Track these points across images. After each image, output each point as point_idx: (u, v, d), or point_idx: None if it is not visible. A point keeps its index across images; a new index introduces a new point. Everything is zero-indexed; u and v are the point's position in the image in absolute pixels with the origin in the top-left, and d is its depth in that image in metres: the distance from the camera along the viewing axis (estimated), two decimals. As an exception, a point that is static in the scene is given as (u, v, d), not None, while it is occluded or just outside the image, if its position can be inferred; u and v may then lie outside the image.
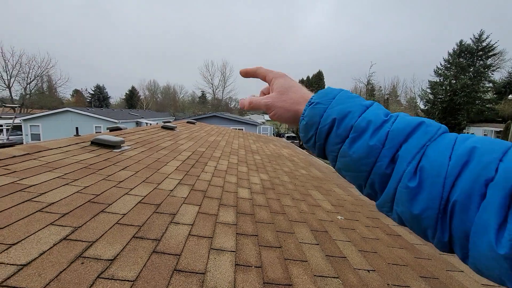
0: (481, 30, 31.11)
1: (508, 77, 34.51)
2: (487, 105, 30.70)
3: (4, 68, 32.64)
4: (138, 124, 24.03)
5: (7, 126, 17.64)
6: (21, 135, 19.24)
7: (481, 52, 31.38)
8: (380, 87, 49.91)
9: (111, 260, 1.05)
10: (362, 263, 1.49)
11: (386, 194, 0.37)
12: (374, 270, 1.44)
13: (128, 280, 0.96)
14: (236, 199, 2.13)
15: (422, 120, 0.37)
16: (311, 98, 0.45)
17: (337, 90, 0.46)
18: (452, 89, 30.08)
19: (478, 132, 30.53)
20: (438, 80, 32.74)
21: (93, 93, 55.89)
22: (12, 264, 0.91)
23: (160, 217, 1.52)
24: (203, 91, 63.86)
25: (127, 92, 59.84)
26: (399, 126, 0.37)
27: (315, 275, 1.27)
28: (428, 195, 0.32)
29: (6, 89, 33.47)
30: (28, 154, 2.12)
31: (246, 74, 0.57)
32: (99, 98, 55.32)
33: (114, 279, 0.95)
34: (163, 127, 5.44)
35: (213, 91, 60.91)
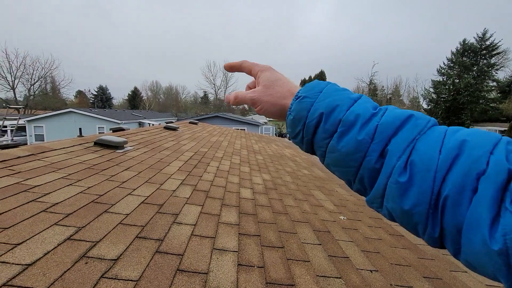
0: (485, 28, 30.87)
1: (512, 76, 34.23)
2: (491, 104, 30.45)
3: (9, 70, 32.99)
4: (140, 124, 24.14)
5: (11, 127, 17.81)
6: (25, 136, 19.42)
7: (484, 51, 31.13)
8: (383, 86, 49.78)
9: (114, 260, 1.06)
10: (365, 263, 1.49)
11: (376, 190, 0.36)
12: (377, 270, 1.43)
13: (131, 280, 0.97)
14: (238, 199, 2.14)
15: (411, 113, 0.37)
16: (298, 92, 0.44)
17: (325, 83, 0.45)
18: (455, 89, 29.92)
19: (482, 132, 30.12)
20: (441, 80, 32.58)
21: (96, 94, 56.21)
22: (17, 264, 0.92)
23: (163, 217, 1.53)
24: (205, 92, 64.11)
25: (130, 93, 60.17)
26: (388, 119, 0.36)
27: (318, 275, 1.27)
28: (419, 190, 0.31)
29: (11, 90, 33.81)
30: (32, 154, 2.14)
31: (231, 68, 0.55)
32: (102, 99, 55.63)
33: (118, 279, 0.96)
34: (166, 128, 5.46)
35: (215, 91, 61.11)
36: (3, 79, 32.62)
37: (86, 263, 1.00)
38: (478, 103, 29.75)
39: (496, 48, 30.59)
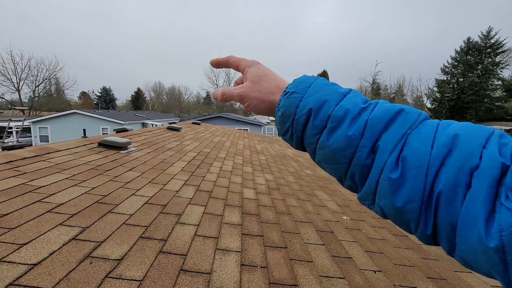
0: (489, 27, 30.47)
1: (517, 75, 33.81)
2: (496, 103, 30.09)
3: (14, 72, 33.38)
4: (144, 125, 24.26)
5: (16, 128, 18.00)
6: (30, 137, 19.61)
7: (489, 50, 30.74)
8: (386, 86, 49.51)
9: (118, 260, 1.07)
10: (368, 263, 1.49)
11: (367, 187, 0.36)
12: (381, 271, 1.43)
13: (135, 280, 0.97)
14: (241, 199, 2.14)
15: (401, 107, 0.36)
16: (286, 88, 0.43)
17: (313, 77, 0.43)
18: (459, 87, 29.65)
19: (487, 131, 29.84)
20: (445, 79, 32.29)
21: (99, 95, 56.60)
22: (24, 264, 0.94)
23: (167, 217, 1.53)
24: (208, 92, 64.15)
25: (133, 94, 60.48)
26: (378, 114, 0.35)
27: (321, 276, 1.26)
28: (411, 187, 0.30)
29: (16, 92, 34.20)
30: (37, 155, 2.16)
31: (217, 64, 0.54)
32: (106, 100, 56.01)
33: (122, 279, 0.97)
34: (169, 128, 5.49)
35: (218, 91, 61.01)
36: (8, 80, 33.02)
37: (91, 263, 1.01)
38: (483, 102, 29.42)
39: (501, 47, 30.20)
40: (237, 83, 0.54)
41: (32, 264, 0.94)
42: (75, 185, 1.74)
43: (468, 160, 0.28)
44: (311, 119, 0.39)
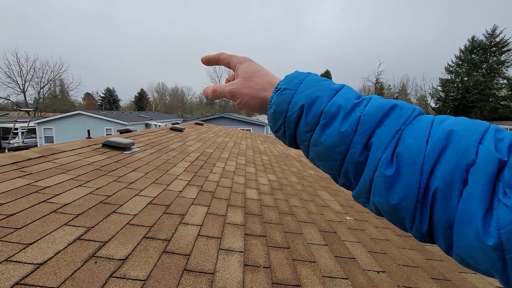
0: (494, 25, 30.12)
1: (523, 73, 33.38)
2: (501, 102, 29.73)
3: (19, 73, 33.77)
4: (147, 126, 24.40)
5: (22, 129, 18.21)
6: (36, 138, 19.83)
7: (494, 48, 30.38)
8: (389, 85, 49.20)
9: (123, 259, 1.07)
10: (372, 264, 1.48)
11: (362, 184, 0.35)
12: (384, 271, 1.42)
13: (139, 280, 0.98)
14: (244, 199, 2.14)
15: (395, 103, 0.35)
16: (278, 84, 0.42)
17: (305, 73, 0.43)
18: (464, 87, 29.37)
19: (492, 130, 29.56)
20: (449, 78, 32.01)
21: (103, 96, 56.99)
22: (30, 263, 0.95)
23: (170, 217, 1.54)
24: (210, 92, 64.09)
25: (136, 95, 60.82)
26: (371, 110, 0.35)
27: (324, 276, 1.26)
28: (406, 184, 0.30)
29: (21, 93, 34.57)
30: (43, 156, 2.19)
31: (209, 61, 0.53)
32: (110, 101, 56.39)
33: (126, 278, 0.97)
34: (172, 129, 5.51)
35: (220, 92, 61.10)
36: (14, 82, 33.41)
37: (96, 262, 1.02)
38: (488, 101, 29.11)
39: (506, 45, 29.84)
40: (228, 80, 0.53)
41: (38, 264, 0.95)
42: (79, 185, 1.75)
43: (464, 156, 0.27)
44: (303, 115, 0.39)
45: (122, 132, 4.31)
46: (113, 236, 1.23)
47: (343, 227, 1.98)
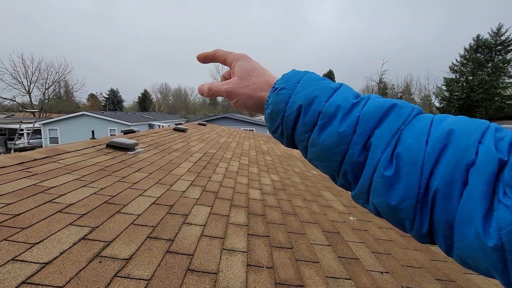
0: (500, 23, 29.78)
1: (529, 72, 32.93)
2: (507, 102, 29.36)
3: (25, 75, 34.15)
4: (150, 126, 24.51)
5: (27, 130, 18.42)
6: (41, 138, 20.04)
7: (500, 47, 30.02)
8: (393, 85, 48.89)
9: (127, 259, 1.08)
10: (375, 264, 1.47)
11: (361, 185, 0.34)
12: (388, 272, 1.41)
13: (143, 279, 0.99)
14: (247, 200, 2.15)
15: (394, 102, 0.35)
16: (275, 83, 0.41)
17: (303, 72, 0.42)
18: (469, 86, 29.10)
19: (498, 130, 29.23)
20: (454, 77, 31.72)
21: (107, 97, 57.42)
22: (35, 263, 0.96)
23: (173, 217, 1.55)
24: (212, 93, 64.24)
25: (140, 95, 61.17)
26: (370, 110, 0.34)
27: (327, 276, 1.26)
28: (406, 184, 0.29)
29: (26, 94, 34.96)
30: (48, 157, 2.21)
31: (204, 59, 0.52)
32: (113, 102, 56.78)
33: (130, 278, 0.98)
34: (175, 129, 5.54)
35: (223, 92, 61.23)
36: (19, 83, 33.79)
37: (100, 262, 1.03)
38: (493, 100, 28.78)
39: (512, 44, 29.57)
40: (224, 77, 0.52)
41: (43, 263, 0.97)
42: (84, 185, 1.77)
43: (463, 156, 0.27)
44: (301, 116, 0.38)
45: (126, 132, 4.34)
46: (117, 236, 1.24)
47: (346, 227, 1.97)
